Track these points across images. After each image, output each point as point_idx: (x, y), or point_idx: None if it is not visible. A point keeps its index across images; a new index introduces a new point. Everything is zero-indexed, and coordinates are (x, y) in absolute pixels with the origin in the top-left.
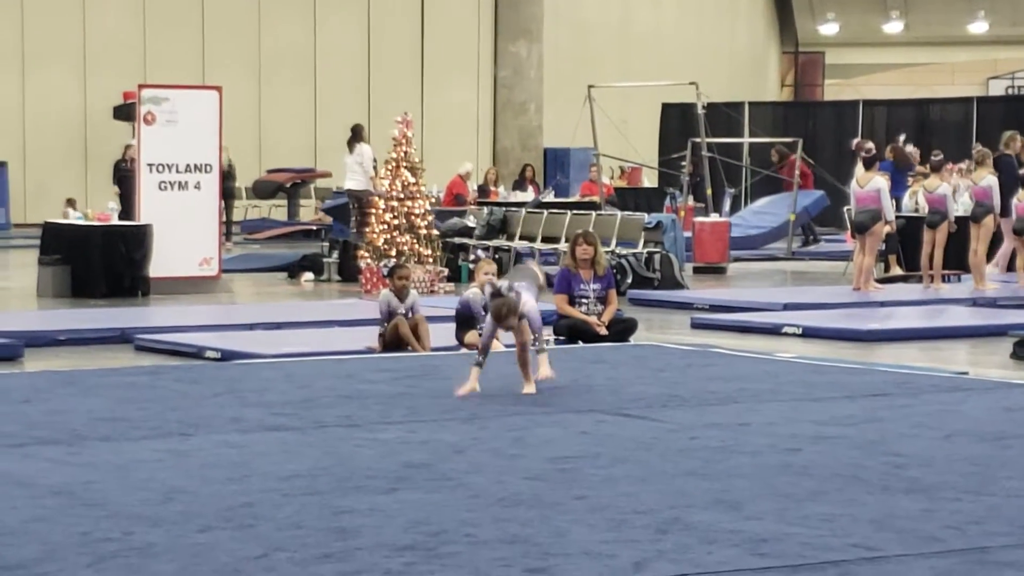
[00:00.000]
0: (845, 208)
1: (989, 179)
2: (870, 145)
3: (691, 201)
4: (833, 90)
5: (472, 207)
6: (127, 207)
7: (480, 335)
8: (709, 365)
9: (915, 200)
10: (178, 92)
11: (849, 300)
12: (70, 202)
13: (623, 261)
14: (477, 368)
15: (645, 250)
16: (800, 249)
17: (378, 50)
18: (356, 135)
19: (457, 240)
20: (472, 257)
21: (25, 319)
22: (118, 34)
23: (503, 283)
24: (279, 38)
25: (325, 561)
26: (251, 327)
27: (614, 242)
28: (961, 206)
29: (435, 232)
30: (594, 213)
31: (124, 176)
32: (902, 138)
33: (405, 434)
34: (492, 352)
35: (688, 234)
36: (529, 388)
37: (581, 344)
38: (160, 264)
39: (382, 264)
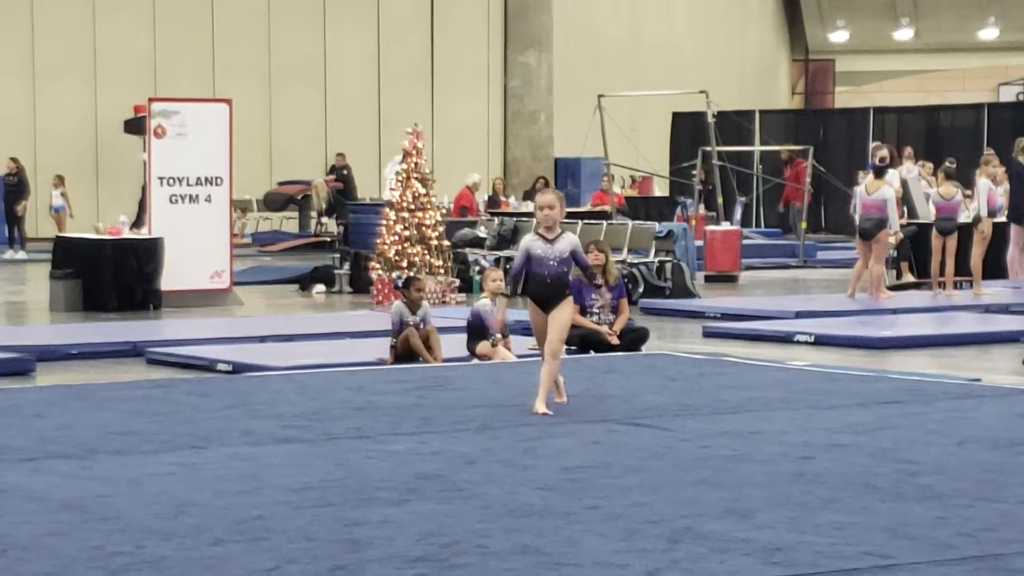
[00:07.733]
0: (852, 212)
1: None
2: (884, 153)
3: (702, 210)
4: (844, 98)
5: (483, 218)
6: None
7: (492, 345)
8: (721, 374)
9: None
10: (188, 105)
11: (861, 308)
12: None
13: (635, 270)
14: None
15: (657, 259)
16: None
17: (388, 61)
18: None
19: (468, 251)
20: (477, 268)
21: (37, 333)
22: (129, 47)
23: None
24: (289, 50)
25: (337, 573)
26: (262, 340)
27: (625, 251)
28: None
29: (446, 243)
30: (605, 222)
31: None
32: None
33: (416, 445)
34: (504, 363)
35: (699, 243)
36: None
37: (593, 354)
38: (171, 277)
39: (393, 275)
